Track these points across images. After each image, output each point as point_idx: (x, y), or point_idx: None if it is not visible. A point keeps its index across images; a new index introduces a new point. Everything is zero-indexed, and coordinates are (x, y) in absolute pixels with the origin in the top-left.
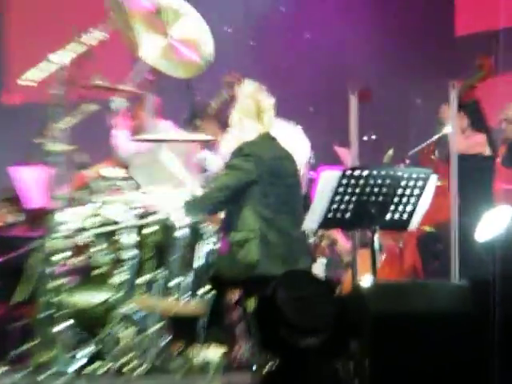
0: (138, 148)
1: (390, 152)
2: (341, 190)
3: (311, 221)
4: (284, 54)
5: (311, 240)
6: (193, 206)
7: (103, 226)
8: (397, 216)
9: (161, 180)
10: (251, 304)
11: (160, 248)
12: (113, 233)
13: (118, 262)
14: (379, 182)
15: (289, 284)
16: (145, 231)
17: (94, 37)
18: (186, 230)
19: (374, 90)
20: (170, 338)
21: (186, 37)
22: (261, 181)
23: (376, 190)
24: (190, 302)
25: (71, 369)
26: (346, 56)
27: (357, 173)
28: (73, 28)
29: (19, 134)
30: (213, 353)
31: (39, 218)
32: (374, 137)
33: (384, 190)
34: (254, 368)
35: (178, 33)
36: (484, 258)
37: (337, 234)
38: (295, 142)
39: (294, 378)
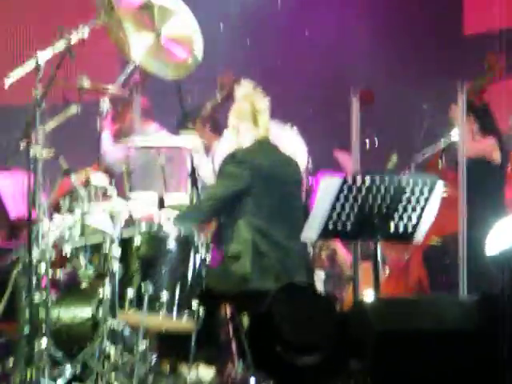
0: (125, 152)
1: (394, 158)
2: (342, 198)
3: (310, 231)
4: (282, 54)
5: (310, 250)
6: (182, 216)
7: (87, 236)
8: (401, 227)
9: (155, 184)
10: (245, 319)
11: (148, 260)
12: (98, 243)
13: (102, 275)
14: (382, 190)
15: (286, 298)
16: (131, 242)
17: (80, 36)
18: (175, 242)
19: (377, 91)
20: (159, 355)
21: (177, 35)
22: (255, 189)
23: (379, 198)
24: (181, 318)
25: None
26: (347, 56)
27: (359, 180)
28: (58, 27)
29: None
30: (205, 371)
31: (19, 228)
32: (376, 139)
33: (387, 198)
34: None
35: (169, 31)
36: (494, 271)
37: (336, 244)
38: (292, 145)
39: None
